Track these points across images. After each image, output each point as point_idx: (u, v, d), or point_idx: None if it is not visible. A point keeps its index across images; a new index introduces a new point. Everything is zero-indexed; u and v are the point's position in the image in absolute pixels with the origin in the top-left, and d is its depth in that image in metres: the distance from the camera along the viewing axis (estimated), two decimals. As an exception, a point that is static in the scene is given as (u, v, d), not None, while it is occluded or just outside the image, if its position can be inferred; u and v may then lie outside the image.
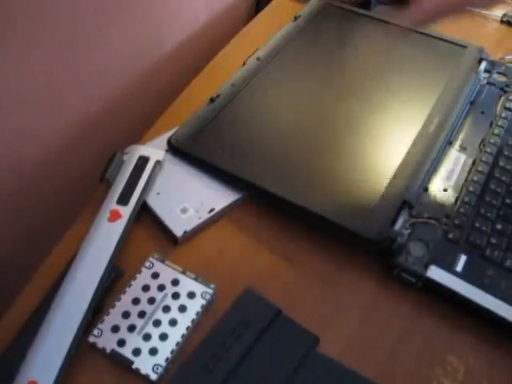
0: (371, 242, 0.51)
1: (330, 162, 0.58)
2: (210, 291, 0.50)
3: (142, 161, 0.57)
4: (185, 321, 0.48)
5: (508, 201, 0.56)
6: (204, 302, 0.50)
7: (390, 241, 0.52)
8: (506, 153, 0.61)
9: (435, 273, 0.50)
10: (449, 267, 0.51)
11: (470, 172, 0.59)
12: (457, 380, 0.48)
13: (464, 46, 0.71)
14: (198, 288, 0.50)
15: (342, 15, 0.77)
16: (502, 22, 0.83)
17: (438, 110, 0.62)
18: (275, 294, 0.51)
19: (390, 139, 0.61)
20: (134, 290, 0.50)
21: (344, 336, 0.50)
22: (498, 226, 0.54)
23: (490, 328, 0.50)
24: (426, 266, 0.51)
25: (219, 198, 0.56)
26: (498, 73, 0.71)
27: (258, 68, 0.67)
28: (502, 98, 0.67)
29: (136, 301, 0.49)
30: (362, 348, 0.49)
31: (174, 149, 0.59)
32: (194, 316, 0.49)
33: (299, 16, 0.75)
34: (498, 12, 0.84)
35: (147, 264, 0.52)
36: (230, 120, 0.61)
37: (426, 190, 0.57)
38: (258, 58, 0.68)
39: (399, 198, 0.54)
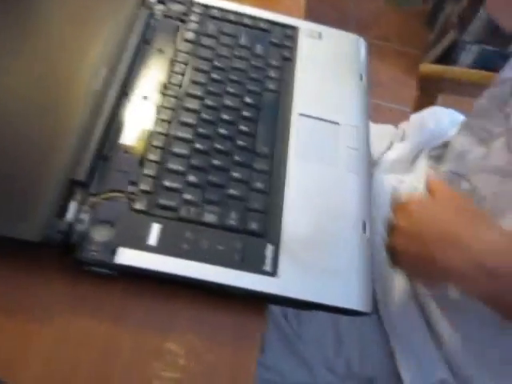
0: (40, 245, 0.41)
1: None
2: None
3: None
4: None
5: (198, 146, 0.50)
6: None
7: (65, 234, 0.42)
8: (190, 91, 0.55)
9: (124, 256, 0.43)
10: (140, 244, 0.44)
11: (154, 124, 0.51)
12: (178, 366, 0.42)
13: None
14: None
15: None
16: None
17: (103, 62, 0.53)
18: None
19: (55, 110, 0.50)
20: None
21: (39, 364, 0.40)
22: (191, 178, 0.48)
23: (205, 295, 0.45)
24: (114, 251, 0.43)
25: None
26: (174, 1, 0.63)
27: None
28: (181, 30, 0.60)
29: None
30: (64, 372, 0.40)
31: None
32: None
33: None
34: None
35: None
36: None
37: (105, 158, 0.48)
38: None
39: (64, 179, 0.44)
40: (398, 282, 0.60)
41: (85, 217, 0.44)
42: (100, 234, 0.44)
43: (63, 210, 0.43)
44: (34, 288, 0.43)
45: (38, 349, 0.41)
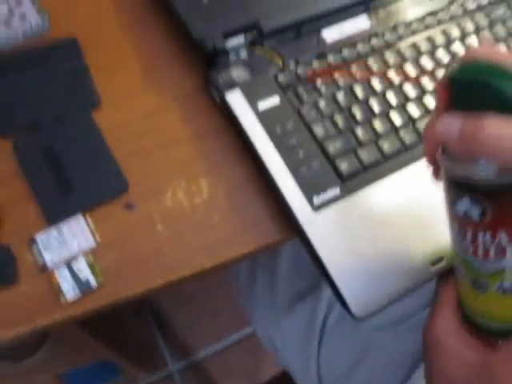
0: (195, 43, 0.48)
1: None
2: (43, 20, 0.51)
3: None
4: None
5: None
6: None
7: (217, 50, 0.48)
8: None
9: (235, 98, 0.47)
10: (253, 100, 0.47)
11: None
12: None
13: None
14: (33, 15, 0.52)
15: None
16: None
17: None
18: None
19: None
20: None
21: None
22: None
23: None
24: (228, 89, 0.48)
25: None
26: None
27: None
28: None
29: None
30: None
31: None
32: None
33: None
34: None
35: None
36: None
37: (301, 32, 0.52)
38: None
39: (254, 18, 0.49)
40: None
41: (242, 53, 0.49)
42: (237, 73, 0.49)
43: (232, 35, 0.49)
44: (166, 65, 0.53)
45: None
